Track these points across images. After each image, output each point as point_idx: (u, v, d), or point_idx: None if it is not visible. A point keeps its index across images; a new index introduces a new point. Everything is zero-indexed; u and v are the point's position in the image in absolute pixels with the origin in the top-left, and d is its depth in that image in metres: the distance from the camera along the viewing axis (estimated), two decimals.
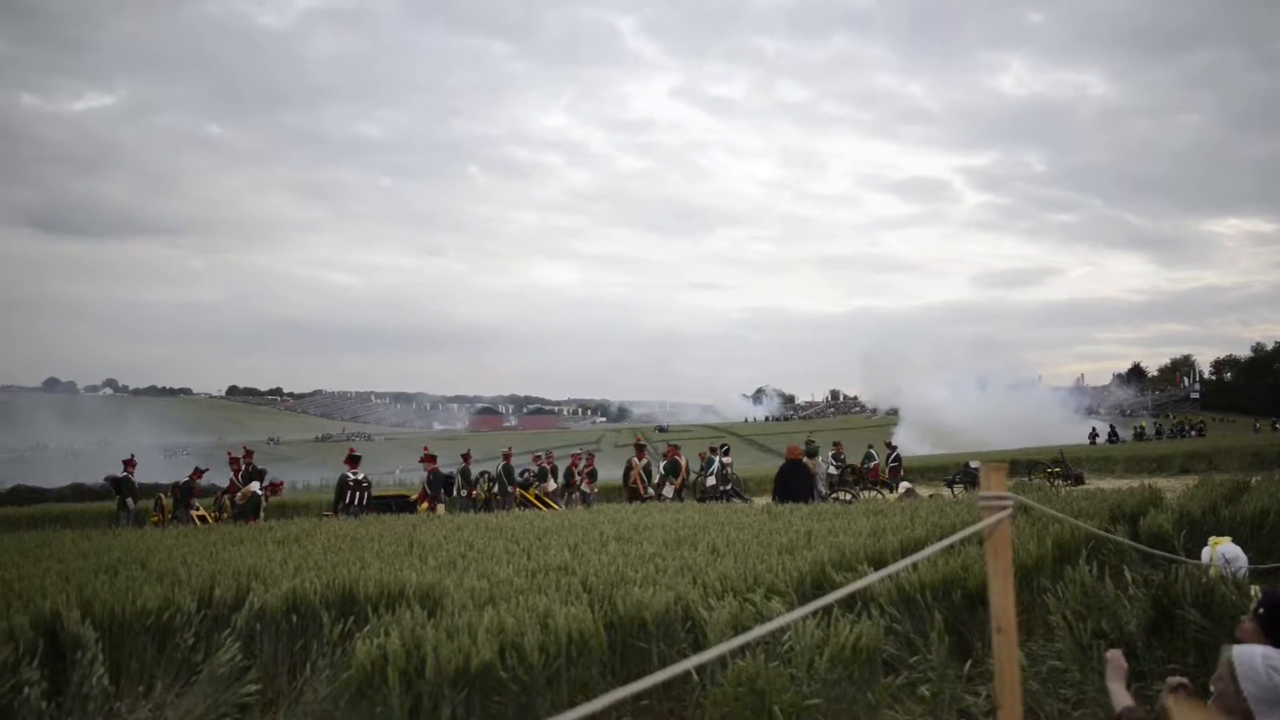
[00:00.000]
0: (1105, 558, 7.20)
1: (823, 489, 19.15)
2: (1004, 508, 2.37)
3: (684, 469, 20.43)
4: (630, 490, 19.53)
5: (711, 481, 21.72)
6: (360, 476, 16.50)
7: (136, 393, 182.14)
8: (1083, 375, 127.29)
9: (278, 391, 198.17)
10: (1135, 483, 15.42)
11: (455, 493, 21.30)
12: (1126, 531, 8.53)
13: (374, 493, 18.15)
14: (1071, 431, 72.15)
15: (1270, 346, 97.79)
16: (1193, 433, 65.88)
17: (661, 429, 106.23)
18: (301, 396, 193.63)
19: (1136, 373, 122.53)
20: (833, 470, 24.23)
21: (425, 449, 20.62)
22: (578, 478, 21.47)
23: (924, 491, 22.66)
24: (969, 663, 4.89)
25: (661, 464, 20.05)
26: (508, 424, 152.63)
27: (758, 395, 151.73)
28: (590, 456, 22.64)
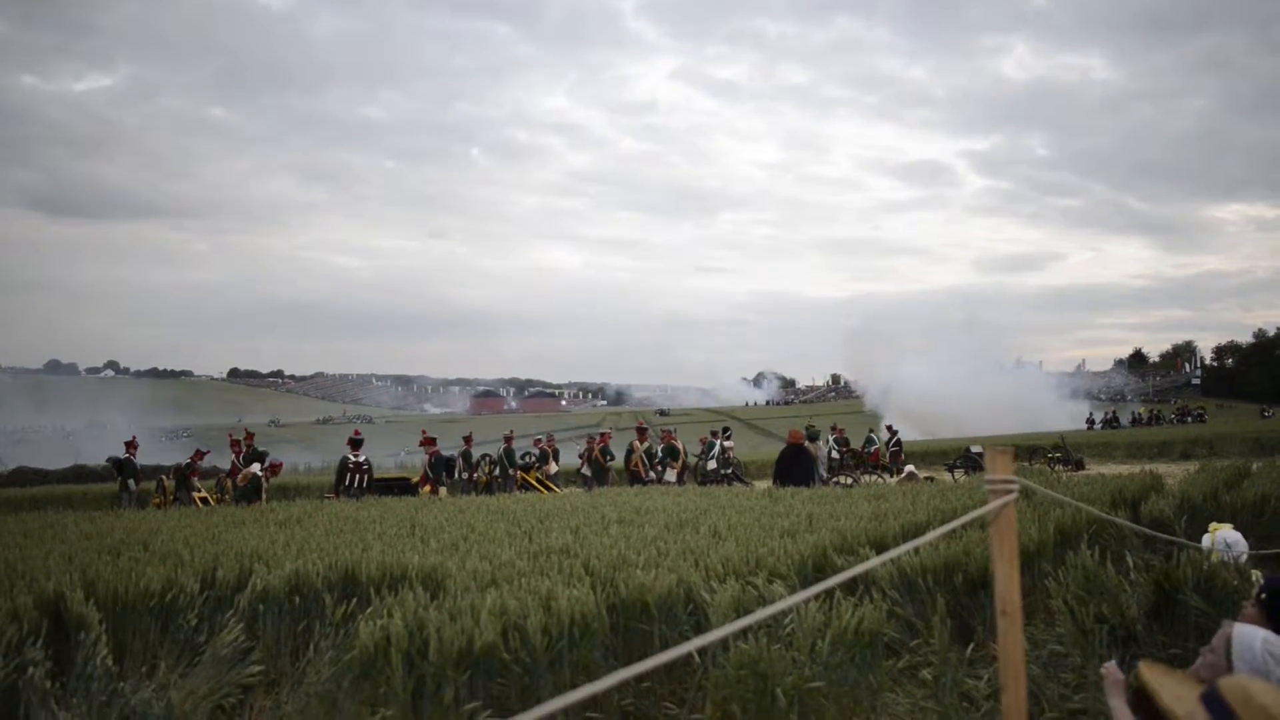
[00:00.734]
0: (1107, 543, 7.20)
1: (824, 473, 19.17)
2: (1010, 492, 2.37)
3: (683, 452, 20.46)
4: (631, 473, 19.57)
5: (712, 465, 21.76)
6: (361, 459, 16.53)
7: (138, 374, 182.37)
8: (1084, 361, 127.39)
9: (279, 374, 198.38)
10: (1136, 468, 15.44)
11: (457, 475, 21.35)
12: (1128, 516, 8.55)
13: (375, 475, 18.18)
14: (1058, 415, 71.95)
15: (1272, 332, 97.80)
16: (1189, 419, 65.99)
17: (662, 413, 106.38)
18: (303, 379, 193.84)
19: (1138, 358, 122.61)
20: (834, 454, 24.27)
21: (424, 432, 20.66)
22: (602, 458, 21.00)
23: (922, 474, 22.70)
24: (971, 646, 4.90)
25: (659, 448, 20.06)
26: (508, 407, 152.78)
27: (758, 379, 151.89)
28: (603, 436, 22.48)
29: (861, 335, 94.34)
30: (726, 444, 22.54)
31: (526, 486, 20.36)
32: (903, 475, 20.36)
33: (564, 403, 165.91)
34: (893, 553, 2.80)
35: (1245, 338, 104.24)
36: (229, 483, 19.07)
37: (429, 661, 3.87)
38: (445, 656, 3.84)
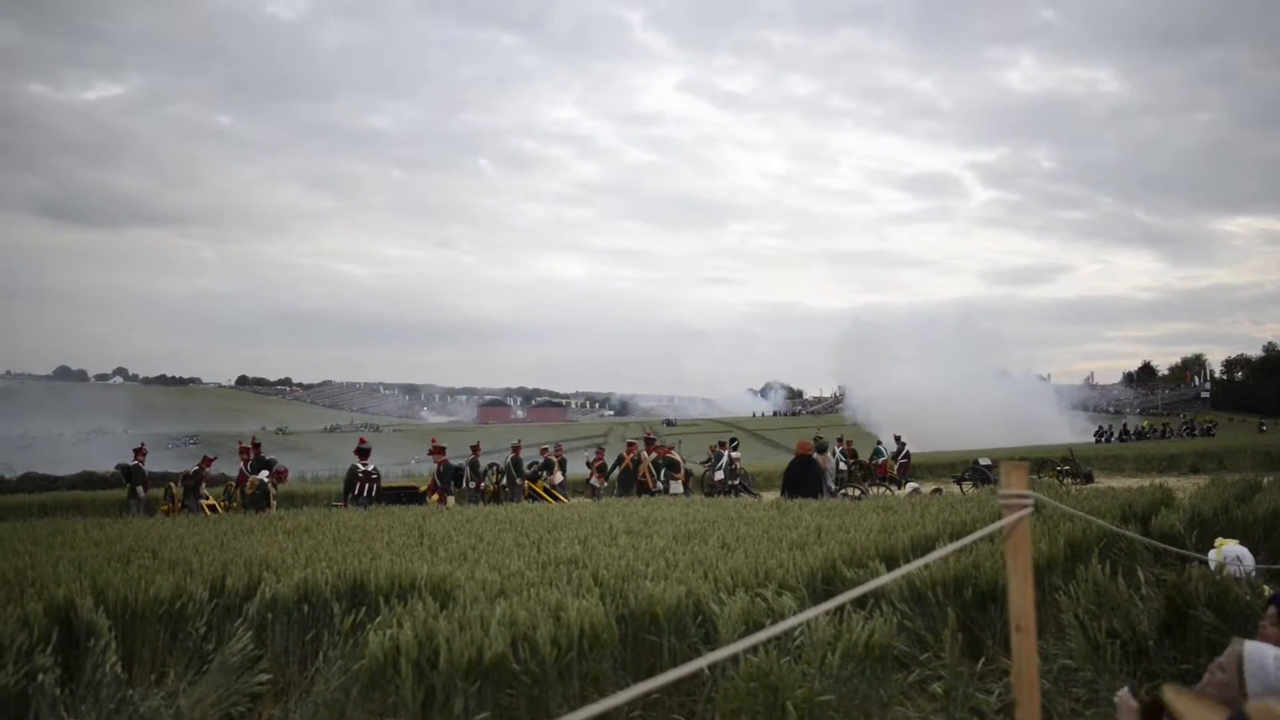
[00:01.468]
0: (1117, 557, 7.17)
1: (831, 485, 19.13)
2: (1024, 506, 2.36)
3: (681, 463, 20.47)
4: (639, 484, 19.55)
5: (719, 476, 21.73)
6: (370, 468, 16.55)
7: (147, 381, 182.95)
8: (1092, 374, 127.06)
9: (287, 382, 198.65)
10: (1145, 482, 15.37)
11: (464, 484, 21.35)
12: (1138, 531, 8.50)
13: (383, 484, 18.20)
14: (1060, 427, 71.17)
15: None
16: (1196, 433, 65.74)
17: (669, 423, 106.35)
18: (310, 387, 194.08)
19: (1147, 371, 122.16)
20: (841, 466, 24.21)
21: (434, 441, 20.68)
22: (642, 467, 20.34)
23: (927, 489, 22.63)
24: (982, 661, 4.88)
25: (659, 461, 20.02)
26: (515, 416, 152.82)
27: (765, 390, 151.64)
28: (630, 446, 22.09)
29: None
30: (734, 455, 22.52)
31: (534, 496, 20.36)
32: (906, 492, 20.30)
33: (571, 412, 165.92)
34: (907, 568, 2.79)
35: (1255, 351, 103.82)
36: (237, 490, 19.11)
37: (438, 671, 3.87)
38: (455, 667, 3.84)
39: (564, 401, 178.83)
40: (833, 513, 10.12)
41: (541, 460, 22.42)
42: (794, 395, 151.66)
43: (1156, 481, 14.62)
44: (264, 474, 17.49)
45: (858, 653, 4.19)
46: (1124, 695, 3.18)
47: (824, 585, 6.16)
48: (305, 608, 5.91)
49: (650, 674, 4.93)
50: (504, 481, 21.83)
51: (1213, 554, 6.64)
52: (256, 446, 19.32)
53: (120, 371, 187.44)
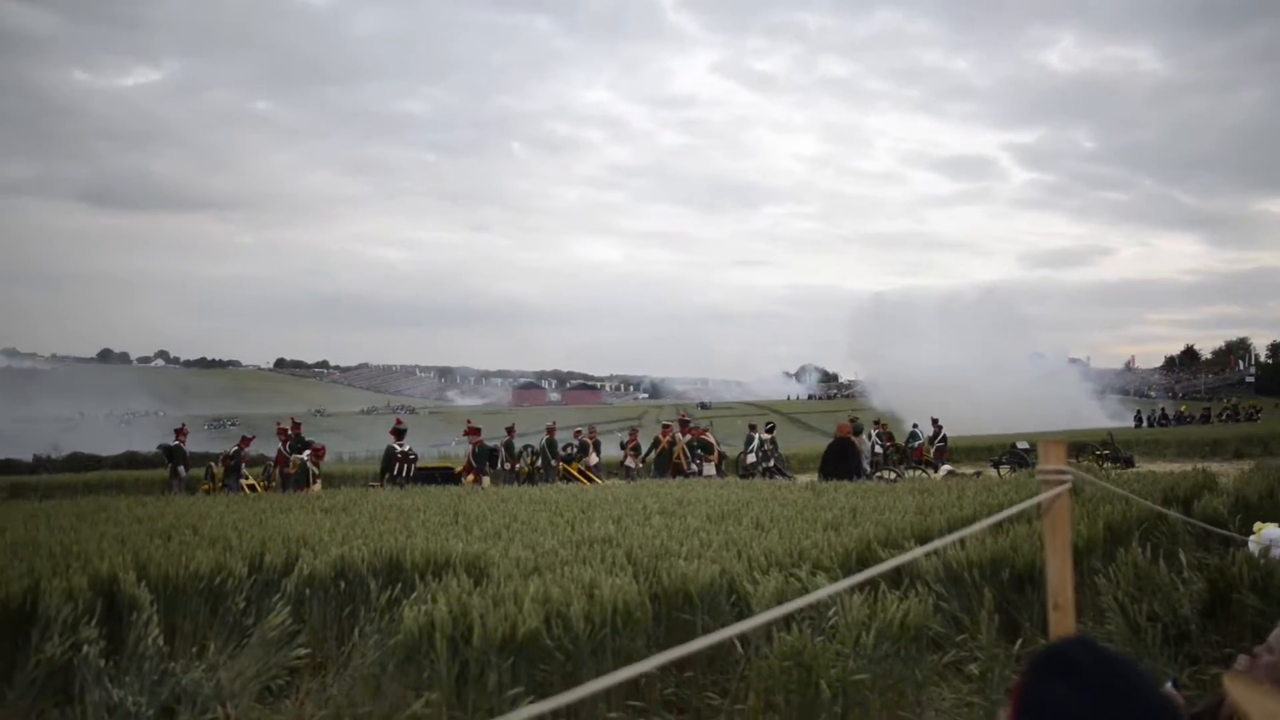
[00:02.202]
0: (1158, 540, 7.06)
1: (867, 467, 19.03)
2: (1063, 482, 2.32)
3: (715, 445, 20.46)
4: (674, 466, 19.56)
5: (751, 459, 21.68)
6: (407, 448, 16.70)
7: (187, 364, 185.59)
8: (1133, 357, 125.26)
9: (324, 364, 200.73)
10: (1187, 466, 15.13)
11: (499, 466, 21.49)
12: (1180, 514, 8.36)
13: (419, 464, 18.35)
14: (1094, 412, 69.72)
15: None
16: (1243, 417, 64.62)
17: (703, 406, 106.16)
18: (347, 369, 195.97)
19: (1189, 355, 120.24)
20: (876, 449, 24.05)
21: (469, 422, 20.82)
22: (677, 449, 20.29)
23: (967, 471, 22.44)
24: (1019, 643, 4.84)
25: (694, 443, 20.03)
26: (550, 399, 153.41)
27: (800, 373, 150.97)
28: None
29: (869, 321, 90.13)
30: (765, 436, 22.46)
31: (568, 477, 20.45)
32: (941, 475, 20.14)
33: (606, 395, 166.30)
34: (937, 543, 2.76)
35: None
36: (276, 471, 19.36)
37: (473, 647, 3.89)
38: (489, 642, 3.86)
39: (598, 384, 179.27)
40: (868, 494, 10.07)
41: (576, 443, 22.49)
42: (828, 378, 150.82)
43: (1199, 466, 14.39)
44: (305, 454, 17.70)
45: (892, 632, 4.17)
46: (1170, 692, 3.10)
47: (859, 566, 6.12)
48: (342, 584, 5.99)
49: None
50: (539, 463, 21.95)
51: (1252, 539, 6.53)
52: (296, 427, 19.56)
53: (161, 354, 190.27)
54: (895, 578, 5.86)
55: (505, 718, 1.42)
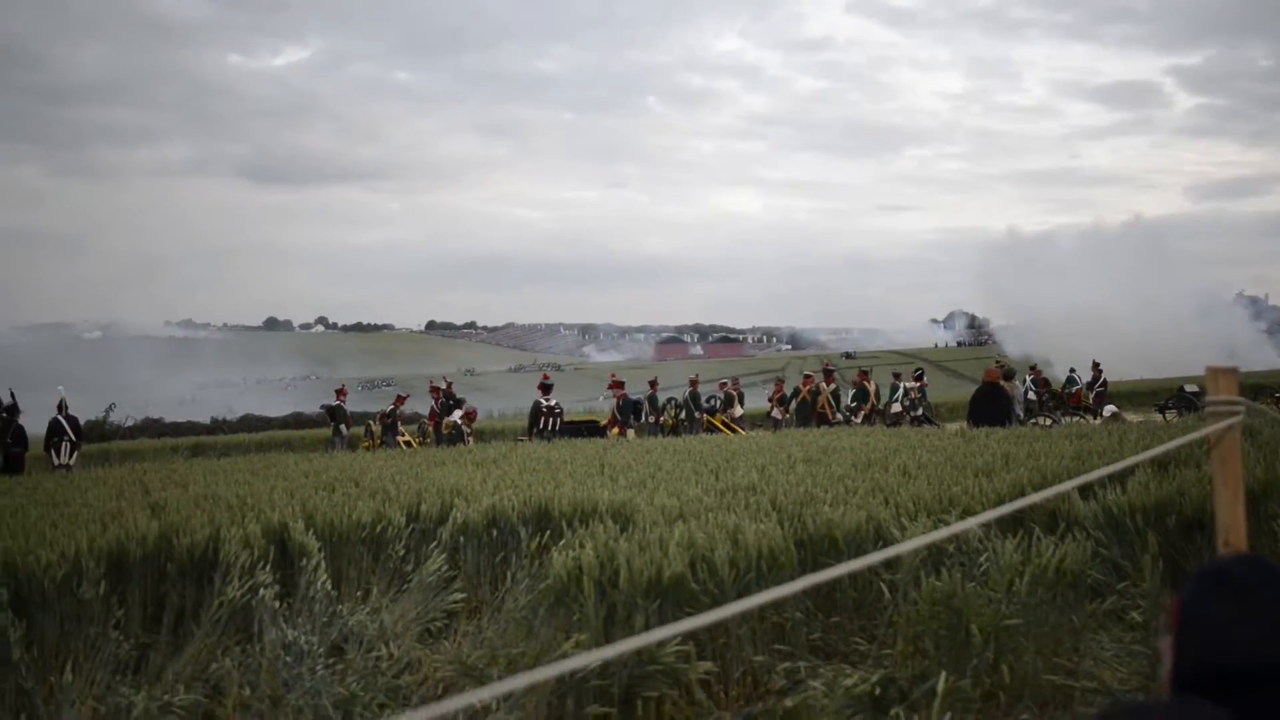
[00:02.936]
0: None
1: (1020, 413, 18.37)
2: (1234, 414, 2.18)
3: (873, 394, 20.05)
4: (819, 415, 19.36)
5: (897, 408, 21.24)
6: (553, 403, 17.07)
7: (345, 329, 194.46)
8: None
9: (472, 325, 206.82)
10: None
11: (644, 419, 21.72)
12: None
13: (565, 419, 18.75)
14: (1266, 353, 64.62)
15: None
16: None
17: (848, 355, 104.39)
18: (494, 329, 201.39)
19: None
20: (1030, 395, 23.17)
21: (613, 376, 21.09)
22: (821, 398, 19.87)
23: (1133, 418, 21.37)
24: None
25: (851, 390, 19.73)
26: (692, 352, 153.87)
27: (948, 319, 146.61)
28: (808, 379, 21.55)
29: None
30: (910, 384, 21.96)
31: (712, 429, 20.51)
32: (1105, 417, 19.24)
33: (748, 347, 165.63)
34: (1086, 477, 2.64)
35: None
36: (430, 427, 20.12)
37: (620, 590, 3.97)
38: (635, 585, 3.93)
39: (739, 337, 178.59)
40: (1022, 440, 9.72)
41: (721, 395, 22.51)
42: (976, 325, 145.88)
43: None
44: (456, 415, 18.33)
45: (1048, 579, 4.03)
46: None
47: (1012, 513, 5.94)
48: (494, 532, 6.19)
49: (830, 599, 4.91)
50: (682, 415, 22.08)
51: None
52: (449, 386, 20.27)
53: (321, 320, 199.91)
54: (1050, 524, 5.66)
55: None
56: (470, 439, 17.71)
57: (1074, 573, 4.07)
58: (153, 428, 36.20)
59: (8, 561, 4.99)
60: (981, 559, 4.76)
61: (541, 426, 16.70)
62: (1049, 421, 20.11)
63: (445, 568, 5.85)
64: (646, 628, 3.89)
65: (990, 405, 14.85)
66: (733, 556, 4.29)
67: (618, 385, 20.29)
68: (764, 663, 4.25)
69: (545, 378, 18.20)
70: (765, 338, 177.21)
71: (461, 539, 6.15)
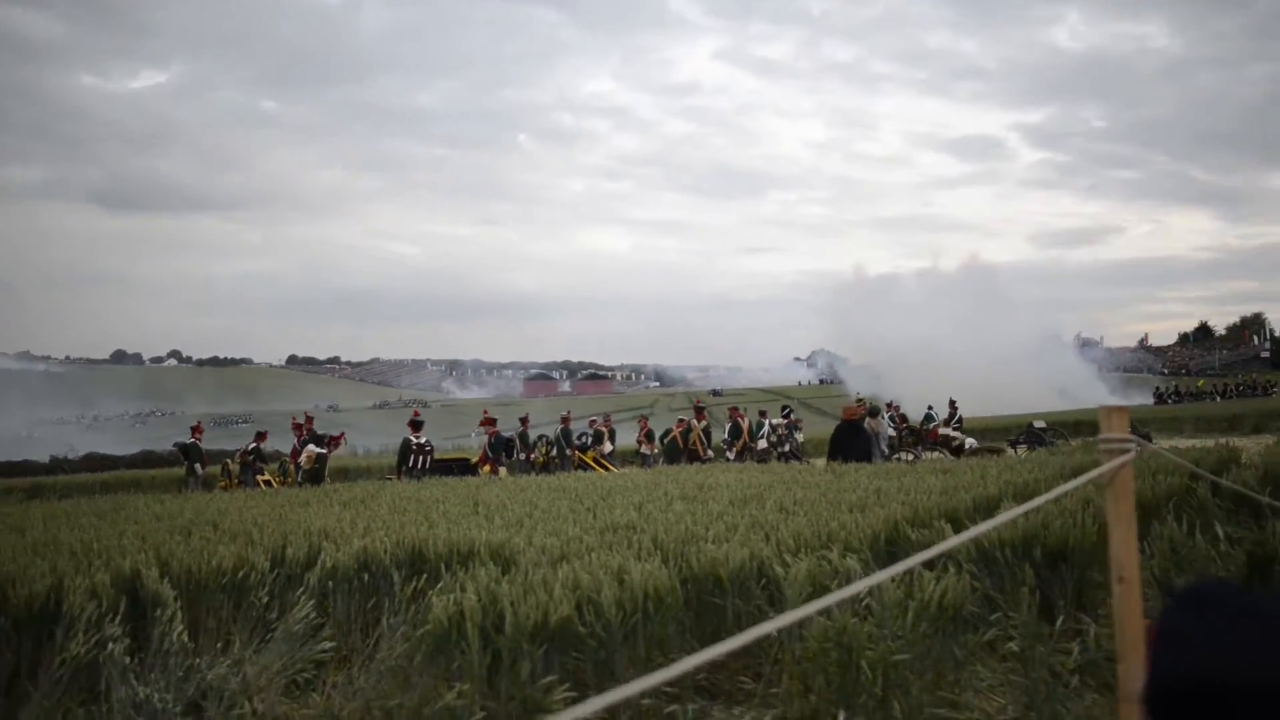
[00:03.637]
0: (1191, 515, 6.96)
1: (885, 449, 18.91)
2: (1126, 450, 2.23)
3: (745, 431, 20.32)
4: (689, 452, 19.48)
5: (763, 444, 21.58)
6: (423, 440, 16.66)
7: (199, 363, 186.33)
8: (1146, 335, 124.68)
9: (336, 360, 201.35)
10: (1207, 443, 14.98)
11: (515, 456, 21.45)
12: (1209, 488, 8.25)
13: (436, 456, 18.31)
14: (1096, 391, 68.66)
15: None
16: (1258, 392, 64.14)
17: (715, 393, 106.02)
18: (359, 365, 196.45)
19: (1203, 331, 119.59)
20: (890, 431, 23.90)
21: (485, 412, 20.77)
22: (693, 436, 20.14)
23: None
24: (1060, 620, 4.74)
25: (727, 426, 19.96)
26: (561, 389, 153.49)
27: (811, 358, 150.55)
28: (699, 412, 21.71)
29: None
30: (777, 422, 22.40)
31: (583, 466, 20.38)
32: (968, 451, 20.00)
33: (616, 384, 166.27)
34: (1002, 517, 2.66)
35: None
36: (291, 466, 19.34)
37: (505, 636, 3.82)
38: (520, 630, 3.79)
39: (608, 374, 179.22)
40: (889, 475, 9.97)
41: (591, 431, 22.42)
42: (833, 364, 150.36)
43: (1221, 442, 14.22)
44: (313, 447, 17.66)
45: (930, 613, 4.08)
46: None
47: (887, 547, 6.04)
48: (365, 576, 5.91)
49: (715, 637, 4.86)
50: (553, 452, 21.88)
51: None
52: (309, 421, 19.54)
53: (174, 354, 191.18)
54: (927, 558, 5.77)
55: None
56: (326, 476, 17.11)
57: (955, 606, 4.13)
58: None
59: None
60: (863, 595, 4.81)
61: (411, 464, 16.26)
62: (911, 457, 20.76)
63: (313, 615, 5.55)
64: (533, 674, 3.75)
65: (850, 442, 15.22)
66: (619, 597, 4.19)
67: (489, 422, 19.96)
68: (652, 705, 4.15)
69: (416, 414, 17.77)
70: (633, 375, 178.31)
71: (330, 584, 5.86)
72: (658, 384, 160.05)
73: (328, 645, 5.44)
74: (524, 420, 22.96)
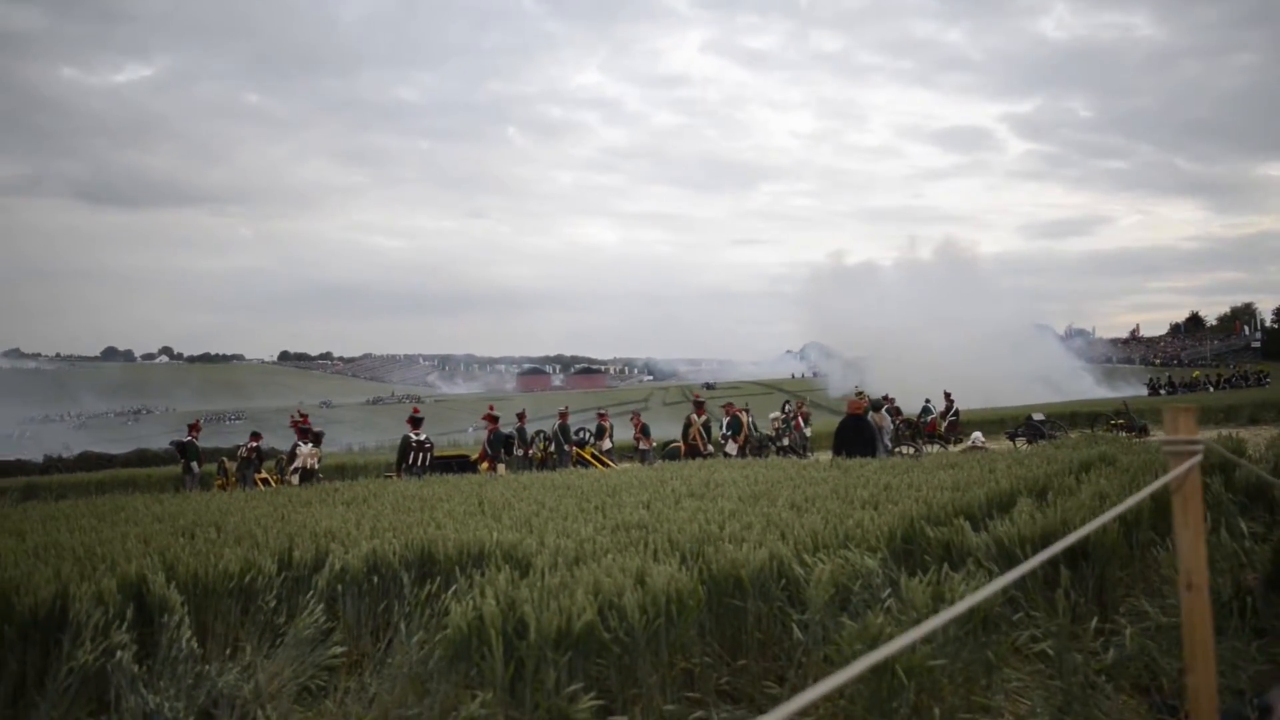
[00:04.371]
0: (1211, 510, 6.89)
1: (888, 443, 18.84)
2: (1195, 453, 2.14)
3: (745, 425, 20.24)
4: (689, 447, 19.40)
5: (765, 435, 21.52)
6: (423, 437, 16.54)
7: (191, 360, 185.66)
8: (1138, 326, 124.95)
9: (328, 355, 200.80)
10: (1210, 434, 14.94)
11: (513, 452, 21.36)
12: (1222, 482, 8.18)
13: (435, 453, 18.19)
14: (1082, 383, 68.58)
15: None
16: (1251, 382, 64.32)
17: (709, 386, 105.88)
18: (351, 360, 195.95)
19: (1194, 322, 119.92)
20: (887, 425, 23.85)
21: (491, 408, 20.66)
22: (692, 430, 20.06)
23: (992, 446, 22.23)
24: (1095, 620, 4.66)
25: (724, 421, 19.88)
26: (555, 383, 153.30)
27: (804, 350, 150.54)
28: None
29: (828, 288, 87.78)
30: (773, 415, 22.39)
31: (582, 462, 20.29)
32: (967, 444, 19.95)
33: (609, 378, 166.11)
34: (1085, 530, 2.57)
35: None
36: (289, 464, 19.19)
37: (527, 642, 3.72)
38: (544, 637, 3.70)
39: (601, 368, 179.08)
40: (897, 471, 9.88)
41: (594, 426, 22.35)
42: (831, 355, 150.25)
43: (1223, 433, 14.17)
44: (305, 447, 17.53)
45: (961, 615, 3.99)
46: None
47: (904, 544, 5.96)
48: (375, 579, 5.82)
49: (736, 640, 4.77)
50: (551, 448, 21.79)
51: None
52: (305, 418, 19.42)
53: (165, 350, 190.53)
54: (943, 554, 5.69)
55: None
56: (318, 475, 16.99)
57: (987, 608, 4.05)
58: None
59: None
60: (884, 594, 4.72)
61: (411, 462, 16.15)
62: (911, 451, 20.72)
63: (322, 619, 5.45)
64: (558, 682, 3.66)
65: (856, 436, 15.11)
66: (641, 601, 4.10)
67: (491, 418, 19.85)
68: (676, 712, 4.07)
69: (415, 411, 17.62)
70: (625, 368, 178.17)
71: (339, 587, 5.76)
72: (650, 378, 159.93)
73: (338, 650, 5.34)
74: (521, 416, 22.88)
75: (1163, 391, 61.30)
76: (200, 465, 20.74)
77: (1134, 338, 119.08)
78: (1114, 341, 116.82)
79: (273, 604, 5.70)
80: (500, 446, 19.65)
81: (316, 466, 17.74)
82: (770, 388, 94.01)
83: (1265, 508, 7.72)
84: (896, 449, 20.39)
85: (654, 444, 22.27)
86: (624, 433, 27.26)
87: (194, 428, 20.89)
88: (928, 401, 27.90)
